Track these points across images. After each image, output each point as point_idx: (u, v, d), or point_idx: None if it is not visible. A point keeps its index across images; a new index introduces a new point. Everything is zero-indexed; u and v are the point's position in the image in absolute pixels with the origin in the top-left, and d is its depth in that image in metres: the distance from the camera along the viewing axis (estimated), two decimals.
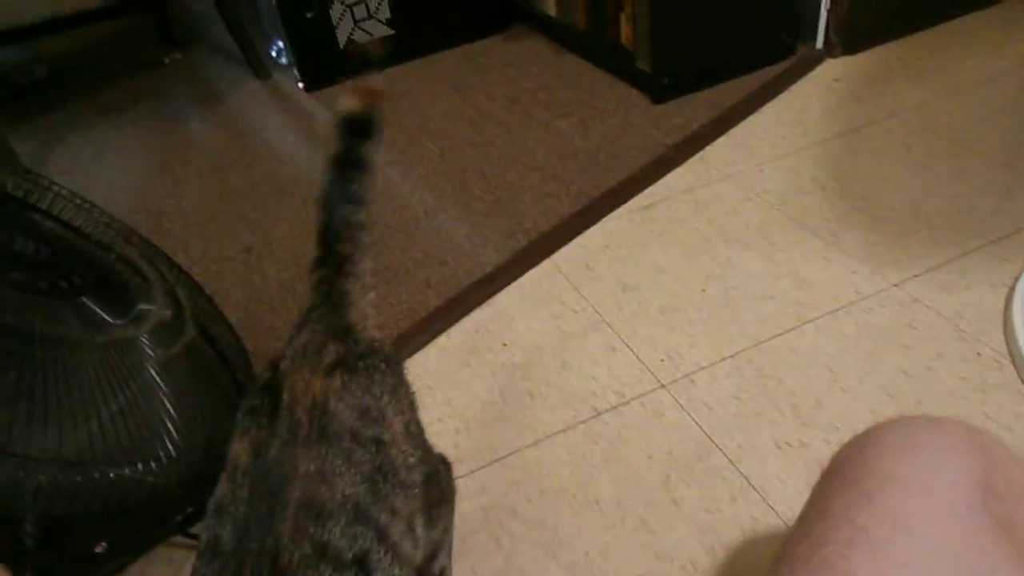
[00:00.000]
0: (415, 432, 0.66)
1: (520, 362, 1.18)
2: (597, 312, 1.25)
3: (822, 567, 0.43)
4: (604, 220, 1.46)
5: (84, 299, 0.75)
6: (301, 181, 1.69)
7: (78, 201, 0.86)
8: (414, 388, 0.70)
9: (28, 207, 0.79)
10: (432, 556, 0.77)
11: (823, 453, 0.91)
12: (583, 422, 1.07)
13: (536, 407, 1.10)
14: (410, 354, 1.22)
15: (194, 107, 2.12)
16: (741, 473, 0.97)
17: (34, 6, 2.48)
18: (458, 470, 1.02)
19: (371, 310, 0.68)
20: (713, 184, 1.51)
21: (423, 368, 1.20)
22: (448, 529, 0.82)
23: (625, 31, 1.85)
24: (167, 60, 2.43)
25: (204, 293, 1.16)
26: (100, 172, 1.84)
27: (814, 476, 0.55)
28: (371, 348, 0.63)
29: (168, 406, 0.73)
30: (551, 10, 2.14)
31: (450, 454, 1.05)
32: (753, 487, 0.95)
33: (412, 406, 0.68)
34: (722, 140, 1.64)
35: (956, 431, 0.51)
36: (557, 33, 2.17)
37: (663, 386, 1.10)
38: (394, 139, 1.79)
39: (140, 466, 0.68)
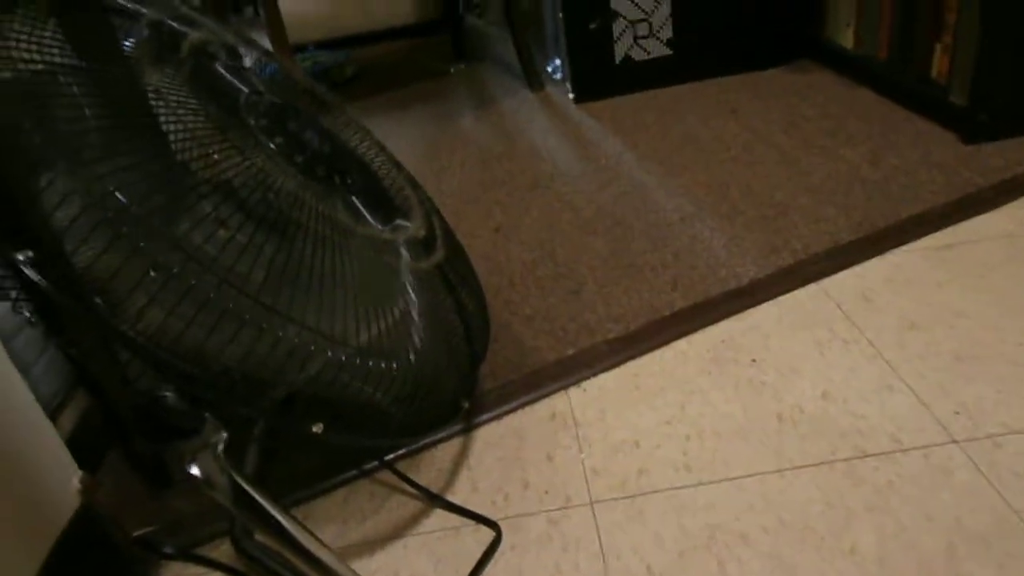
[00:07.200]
0: None
1: (770, 382, 1.03)
2: (873, 345, 1.06)
3: None
4: (890, 253, 1.25)
5: (353, 198, 0.76)
6: (557, 178, 1.69)
7: (357, 124, 0.89)
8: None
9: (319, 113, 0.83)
10: None
11: None
12: (844, 460, 0.89)
13: (785, 432, 0.94)
14: (643, 352, 1.12)
15: (469, 108, 2.24)
16: None
17: (352, 22, 2.86)
18: (685, 479, 0.90)
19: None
20: None
21: (657, 368, 1.09)
22: None
23: (938, 62, 1.63)
24: (453, 70, 2.62)
25: (466, 260, 1.16)
26: None
27: None
28: None
29: (415, 315, 0.71)
30: (847, 42, 1.96)
31: (677, 461, 0.93)
32: None
33: None
34: None
35: None
36: (850, 66, 1.97)
37: (955, 442, 0.89)
38: (655, 150, 1.72)
39: (384, 364, 0.66)
